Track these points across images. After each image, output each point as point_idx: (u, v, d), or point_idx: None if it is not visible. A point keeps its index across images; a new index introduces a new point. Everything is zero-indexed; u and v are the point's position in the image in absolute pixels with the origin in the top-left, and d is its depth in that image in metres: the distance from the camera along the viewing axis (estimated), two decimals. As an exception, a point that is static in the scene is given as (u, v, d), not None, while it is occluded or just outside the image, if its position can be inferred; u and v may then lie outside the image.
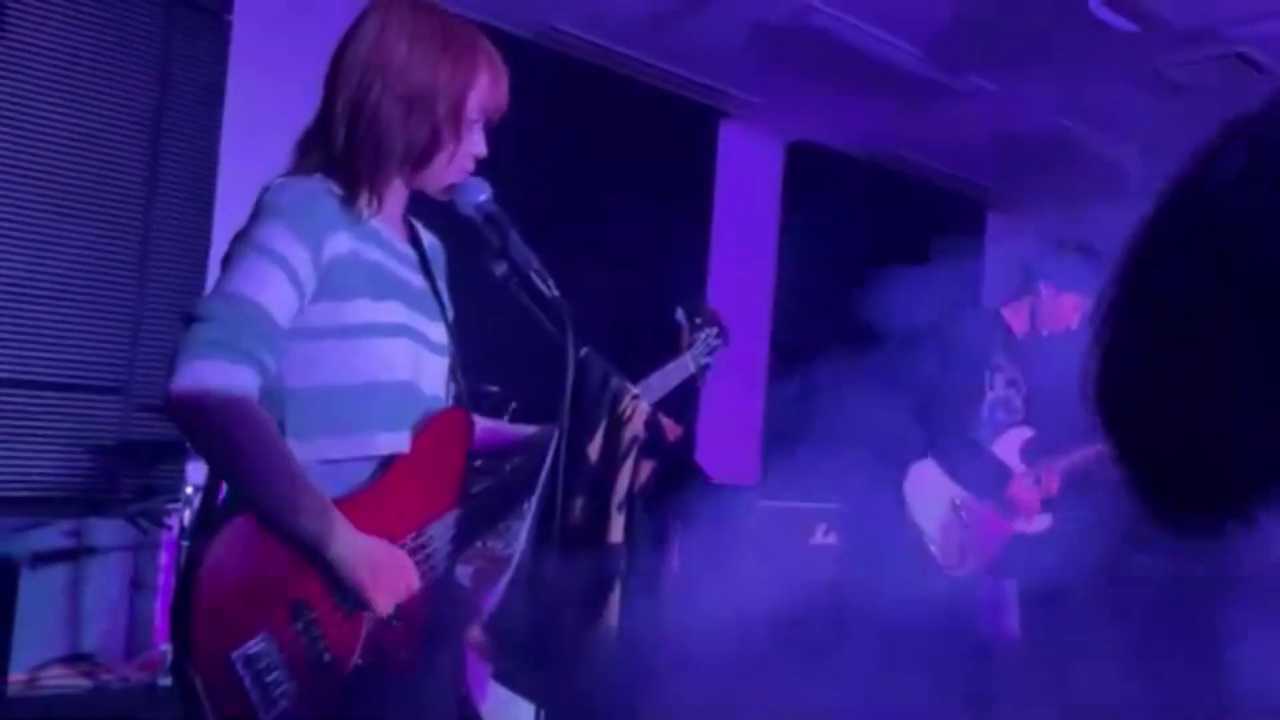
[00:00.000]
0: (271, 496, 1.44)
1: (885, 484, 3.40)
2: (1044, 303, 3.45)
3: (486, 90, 1.61)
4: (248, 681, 1.39)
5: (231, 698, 1.39)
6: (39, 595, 3.68)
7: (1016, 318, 3.51)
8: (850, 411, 3.19)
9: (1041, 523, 3.42)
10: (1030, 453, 3.44)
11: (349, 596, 1.48)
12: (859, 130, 6.02)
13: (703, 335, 2.08)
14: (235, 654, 1.39)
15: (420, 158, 1.59)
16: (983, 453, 3.38)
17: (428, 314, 1.66)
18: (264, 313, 1.45)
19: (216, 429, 1.42)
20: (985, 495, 3.36)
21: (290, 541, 1.44)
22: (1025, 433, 3.45)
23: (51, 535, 3.85)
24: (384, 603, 1.50)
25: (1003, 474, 3.37)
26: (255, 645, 1.41)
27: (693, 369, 2.03)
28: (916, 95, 5.34)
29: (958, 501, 3.37)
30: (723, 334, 2.12)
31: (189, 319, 1.44)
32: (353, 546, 1.47)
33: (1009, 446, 3.45)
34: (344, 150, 1.57)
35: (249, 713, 1.40)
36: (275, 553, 1.44)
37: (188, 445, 1.62)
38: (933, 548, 3.34)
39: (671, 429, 1.84)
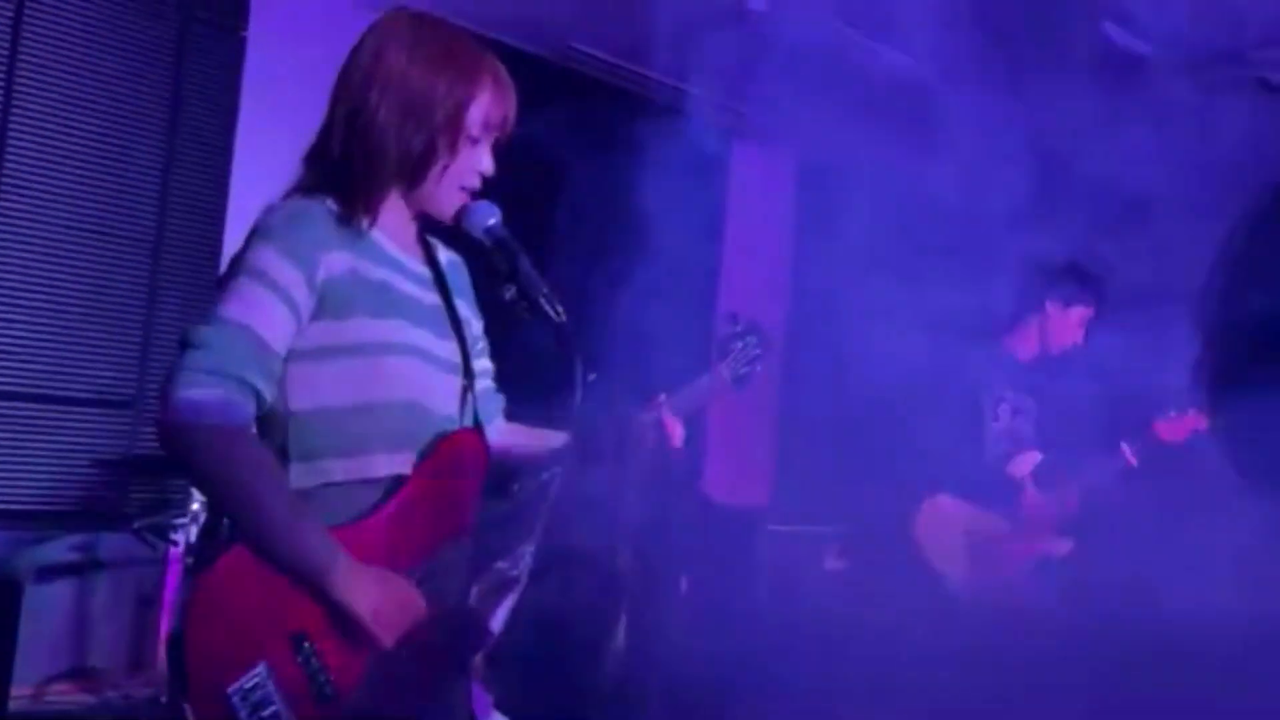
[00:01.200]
0: (268, 526, 1.40)
1: (895, 515, 3.35)
2: (1052, 320, 3.44)
3: (490, 104, 1.59)
4: (244, 716, 1.36)
5: None
6: (44, 609, 3.67)
7: (1024, 343, 3.47)
8: (860, 437, 3.16)
9: (1063, 546, 3.36)
10: (1042, 475, 3.39)
11: (351, 631, 1.45)
12: (871, 150, 6.00)
13: (741, 344, 1.91)
14: (232, 689, 1.35)
15: (415, 168, 1.57)
16: (990, 468, 3.34)
17: (438, 332, 1.62)
18: (256, 337, 1.42)
19: (211, 458, 1.40)
20: (1000, 510, 3.32)
21: (289, 573, 1.41)
22: (1035, 457, 3.41)
23: (58, 549, 3.84)
24: (387, 638, 1.47)
25: (1015, 490, 3.33)
26: (253, 679, 1.37)
27: (728, 379, 1.89)
28: (930, 115, 5.32)
29: (974, 536, 3.32)
30: (764, 342, 1.93)
31: (182, 345, 1.42)
32: (354, 580, 1.43)
33: (1018, 473, 3.39)
34: (340, 159, 1.55)
35: None
36: (274, 582, 1.40)
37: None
38: (953, 588, 3.27)
39: (676, 436, 1.76)
